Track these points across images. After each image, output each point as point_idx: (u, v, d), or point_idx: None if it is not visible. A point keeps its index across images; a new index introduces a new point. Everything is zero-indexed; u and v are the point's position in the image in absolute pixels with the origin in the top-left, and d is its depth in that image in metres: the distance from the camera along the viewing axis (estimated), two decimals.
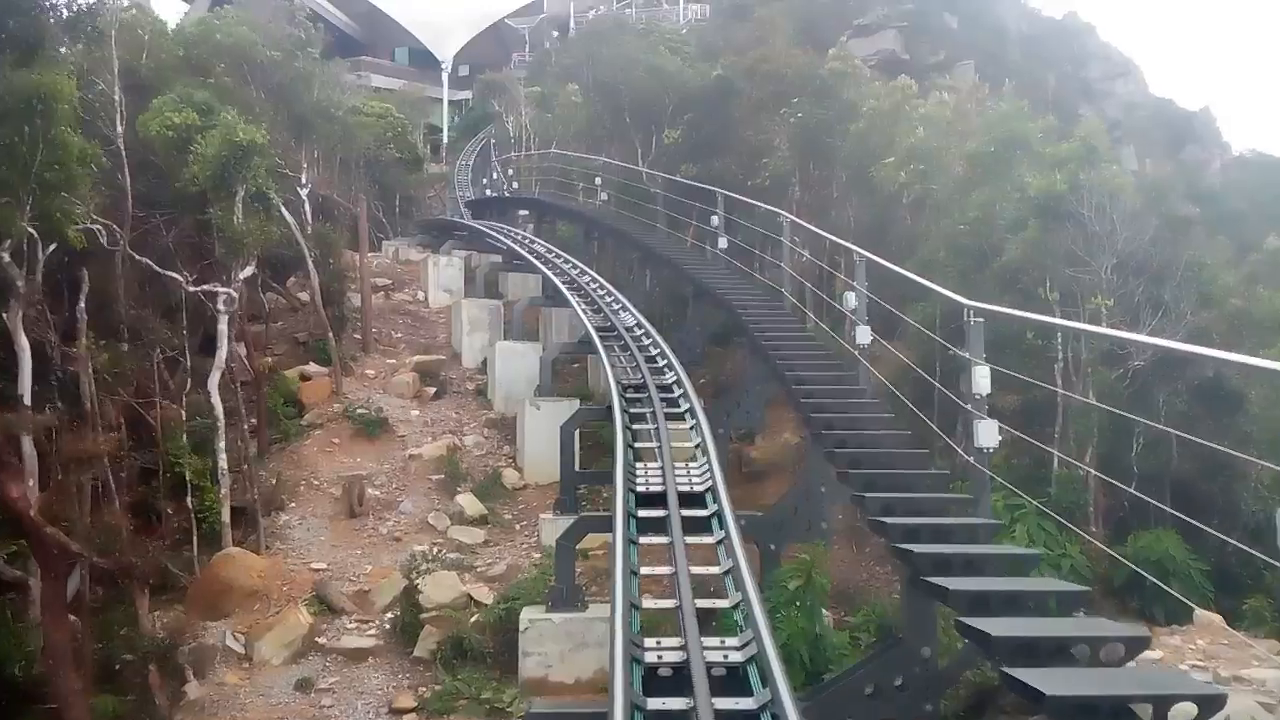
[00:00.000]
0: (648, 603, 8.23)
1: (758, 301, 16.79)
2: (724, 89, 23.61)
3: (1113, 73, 40.44)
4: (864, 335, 11.61)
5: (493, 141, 44.95)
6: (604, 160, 27.31)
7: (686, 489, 10.95)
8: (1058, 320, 11.74)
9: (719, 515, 10.08)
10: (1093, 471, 11.77)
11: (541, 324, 25.33)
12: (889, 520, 9.04)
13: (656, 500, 10.84)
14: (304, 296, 24.36)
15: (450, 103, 57.35)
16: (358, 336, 24.35)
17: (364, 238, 24.85)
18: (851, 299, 11.67)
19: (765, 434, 17.17)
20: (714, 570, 8.91)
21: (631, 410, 13.66)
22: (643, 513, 10.31)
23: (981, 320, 8.27)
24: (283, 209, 21.81)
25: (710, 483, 10.99)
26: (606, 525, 10.65)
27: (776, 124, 20.86)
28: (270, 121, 26.04)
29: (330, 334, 21.64)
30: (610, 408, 13.78)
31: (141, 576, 13.21)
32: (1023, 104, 15.95)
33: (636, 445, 12.36)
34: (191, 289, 15.69)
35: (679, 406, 13.73)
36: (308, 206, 26.19)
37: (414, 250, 31.68)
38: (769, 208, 17.23)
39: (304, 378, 22.13)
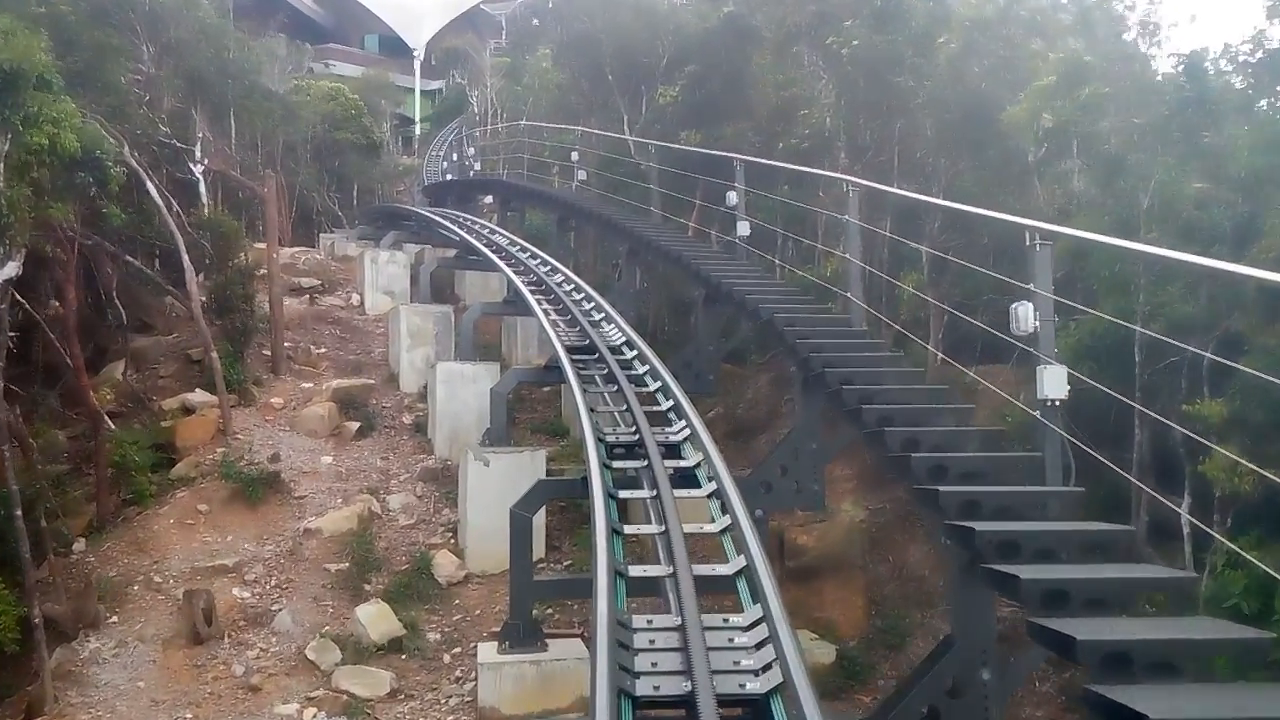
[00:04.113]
0: None
1: (801, 308, 11.51)
2: (736, 30, 18.11)
3: None
4: (1055, 384, 6.18)
5: (464, 129, 40.29)
6: (582, 130, 21.84)
7: (734, 688, 5.59)
8: None
9: None
10: None
11: (504, 337, 20.00)
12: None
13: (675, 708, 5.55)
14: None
15: (424, 93, 53.02)
16: (267, 353, 18.82)
17: (271, 226, 19.30)
18: (1029, 316, 6.24)
19: None
20: None
21: (622, 494, 8.28)
22: None
23: None
24: (150, 185, 16.39)
25: (778, 674, 5.60)
26: None
27: (813, 67, 15.41)
28: (164, 85, 21.17)
29: (214, 352, 16.12)
30: (587, 480, 8.44)
31: None
32: None
33: (633, 573, 6.93)
34: None
35: (699, 486, 8.35)
36: (204, 188, 20.81)
37: (353, 245, 26.12)
38: (831, 174, 11.85)
39: (186, 410, 16.65)
